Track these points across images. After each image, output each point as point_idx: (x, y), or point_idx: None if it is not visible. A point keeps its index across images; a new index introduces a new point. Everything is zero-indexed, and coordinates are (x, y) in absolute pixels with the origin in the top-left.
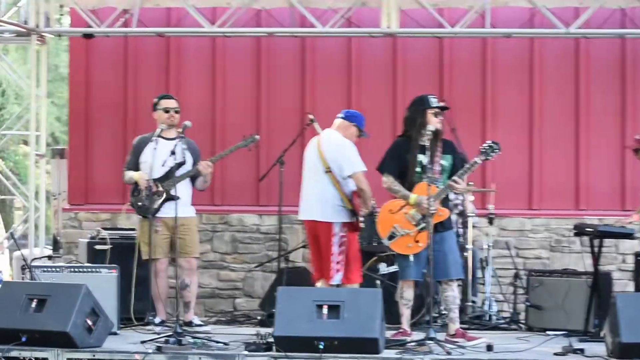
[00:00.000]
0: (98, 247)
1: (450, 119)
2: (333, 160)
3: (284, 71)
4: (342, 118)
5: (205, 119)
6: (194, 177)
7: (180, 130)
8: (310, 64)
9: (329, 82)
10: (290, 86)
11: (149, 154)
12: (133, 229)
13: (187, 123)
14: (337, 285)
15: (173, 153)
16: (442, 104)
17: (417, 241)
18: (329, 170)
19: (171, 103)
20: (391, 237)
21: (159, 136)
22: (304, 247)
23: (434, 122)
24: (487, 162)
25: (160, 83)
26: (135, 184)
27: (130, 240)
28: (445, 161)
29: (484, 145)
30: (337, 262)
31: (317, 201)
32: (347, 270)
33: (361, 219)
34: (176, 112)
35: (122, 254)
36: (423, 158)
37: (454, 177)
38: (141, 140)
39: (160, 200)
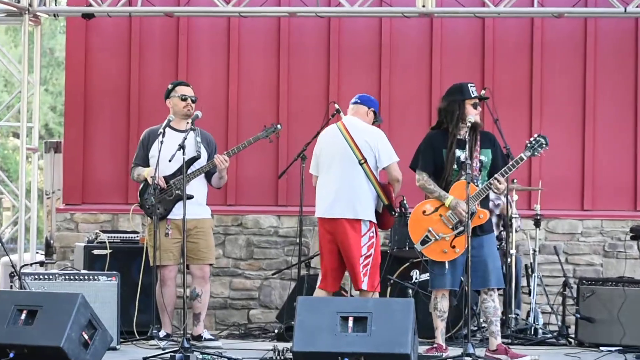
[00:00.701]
0: (96, 251)
1: (492, 108)
2: (368, 150)
3: (306, 55)
4: (359, 103)
5: (218, 108)
6: (209, 173)
7: (190, 121)
8: (336, 47)
9: (357, 68)
10: (314, 72)
11: (156, 147)
12: (135, 232)
13: (198, 113)
14: (360, 293)
15: (181, 147)
16: (482, 93)
17: (453, 246)
18: (364, 161)
19: (188, 91)
20: (424, 242)
21: (169, 127)
22: None
23: (472, 114)
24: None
25: (168, 68)
26: (145, 181)
27: (132, 244)
28: (485, 156)
29: (531, 139)
30: (365, 265)
31: (348, 196)
32: (371, 275)
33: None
34: (193, 101)
35: (123, 259)
36: (460, 153)
37: (496, 175)
38: (151, 132)
39: (172, 200)
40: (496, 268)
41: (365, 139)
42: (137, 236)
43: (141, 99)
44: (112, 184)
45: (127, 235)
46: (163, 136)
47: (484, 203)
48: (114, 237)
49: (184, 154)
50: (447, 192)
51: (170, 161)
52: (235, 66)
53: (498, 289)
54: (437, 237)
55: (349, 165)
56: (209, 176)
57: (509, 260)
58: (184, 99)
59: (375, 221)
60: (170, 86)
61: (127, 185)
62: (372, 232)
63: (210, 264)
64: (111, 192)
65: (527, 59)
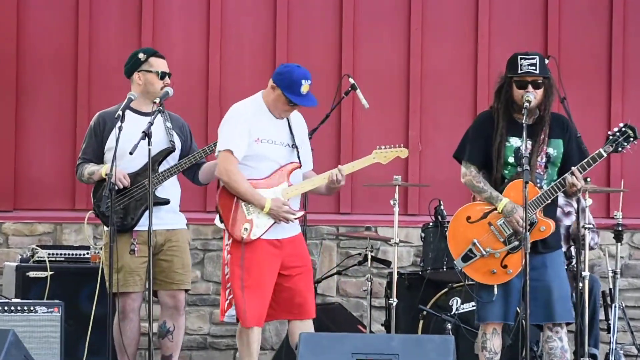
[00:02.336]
0: (33, 274)
1: (557, 84)
2: None
3: (311, 14)
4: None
5: (193, 86)
6: (193, 165)
7: (157, 100)
8: (351, 3)
9: (378, 30)
10: (321, 36)
11: (114, 137)
12: (85, 248)
13: (168, 90)
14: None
15: (146, 135)
16: (531, 68)
17: (504, 266)
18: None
19: (165, 65)
20: (467, 258)
21: (130, 110)
22: (338, 273)
23: (525, 95)
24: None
25: (128, 30)
26: (100, 182)
27: (81, 263)
28: (554, 148)
29: (614, 130)
30: (227, 289)
31: None
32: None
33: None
34: (169, 78)
35: (69, 284)
36: (519, 143)
37: (574, 168)
38: (106, 117)
39: (139, 207)
40: (563, 296)
41: None
42: (88, 253)
43: (92, 70)
44: (53, 184)
45: (74, 252)
46: (122, 120)
47: (550, 210)
48: (57, 254)
49: (149, 144)
50: (501, 193)
51: (131, 153)
52: (217, 28)
53: (566, 324)
54: (485, 253)
55: None
56: (189, 171)
57: (580, 285)
58: (162, 77)
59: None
60: (142, 56)
61: (74, 186)
62: (229, 245)
63: (186, 290)
64: (53, 195)
65: (604, 19)
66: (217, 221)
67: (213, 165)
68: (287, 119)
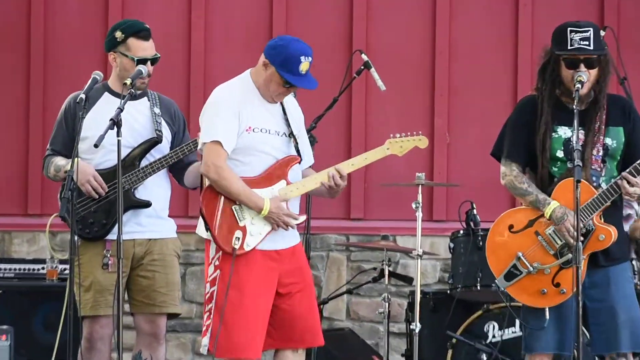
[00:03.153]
0: None
1: (615, 62)
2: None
3: None
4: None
5: (173, 67)
6: (177, 164)
7: (128, 81)
8: None
9: (398, 6)
10: (328, 6)
11: (92, 124)
12: (40, 261)
13: (141, 68)
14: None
15: (115, 123)
16: (584, 43)
17: (557, 284)
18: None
19: (150, 49)
20: (511, 276)
21: (108, 91)
22: (349, 292)
23: (576, 75)
24: None
25: (95, 2)
26: (70, 180)
27: (35, 280)
28: (612, 138)
29: None
30: (206, 312)
31: None
32: (213, 331)
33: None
34: (153, 63)
35: (20, 305)
36: (570, 133)
37: (624, 173)
38: (77, 99)
39: (115, 210)
40: (632, 320)
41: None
42: (44, 268)
43: (49, 47)
44: (2, 184)
45: (27, 266)
46: (85, 105)
47: (611, 214)
48: (5, 269)
49: (119, 134)
50: (549, 195)
51: (96, 146)
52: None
53: (634, 355)
54: (532, 269)
55: None
56: (177, 171)
57: None
58: (141, 63)
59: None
60: (118, 35)
61: (27, 187)
62: (218, 256)
63: (176, 314)
64: (0, 198)
65: None
66: (200, 229)
67: (198, 167)
68: (281, 103)
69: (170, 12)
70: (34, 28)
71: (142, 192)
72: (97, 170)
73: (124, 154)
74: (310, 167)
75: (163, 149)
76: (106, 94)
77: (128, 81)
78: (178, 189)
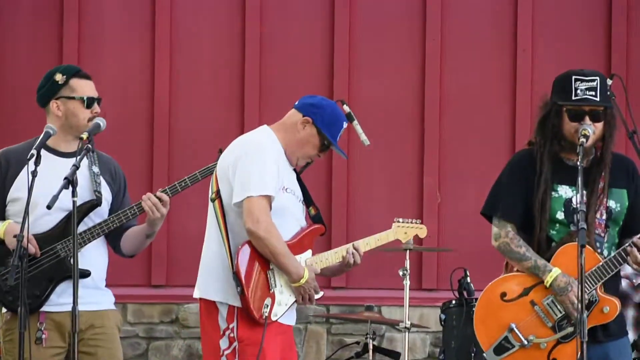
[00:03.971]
0: None
1: (624, 114)
2: (226, 176)
3: (293, 20)
4: (295, 108)
5: (133, 115)
6: (115, 230)
7: (84, 135)
8: (346, 6)
9: (382, 46)
10: (306, 50)
11: (24, 184)
12: None
13: (99, 122)
14: None
15: (70, 182)
16: (590, 94)
17: None
18: (216, 197)
19: (92, 88)
20: (502, 350)
21: (45, 148)
22: None
23: (580, 128)
24: None
25: (43, 38)
26: (20, 246)
27: None
28: (616, 201)
29: None
30: None
31: (201, 266)
32: None
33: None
34: (99, 105)
35: None
36: (571, 193)
37: (635, 239)
38: (10, 155)
39: (50, 279)
40: None
41: (230, 159)
42: None
43: None
44: None
45: None
46: (36, 162)
47: (611, 284)
48: None
49: (74, 194)
50: (548, 261)
51: (49, 207)
52: (166, 36)
53: None
54: (526, 342)
55: (210, 208)
56: (114, 236)
57: None
58: (88, 103)
59: (240, 305)
60: (59, 77)
61: None
62: (234, 326)
63: None
64: None
65: None
66: (206, 292)
67: (140, 232)
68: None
69: (131, 49)
70: None
71: (79, 261)
72: (34, 234)
73: (60, 217)
74: None
75: (102, 212)
76: (43, 151)
77: (84, 135)
78: (146, 256)
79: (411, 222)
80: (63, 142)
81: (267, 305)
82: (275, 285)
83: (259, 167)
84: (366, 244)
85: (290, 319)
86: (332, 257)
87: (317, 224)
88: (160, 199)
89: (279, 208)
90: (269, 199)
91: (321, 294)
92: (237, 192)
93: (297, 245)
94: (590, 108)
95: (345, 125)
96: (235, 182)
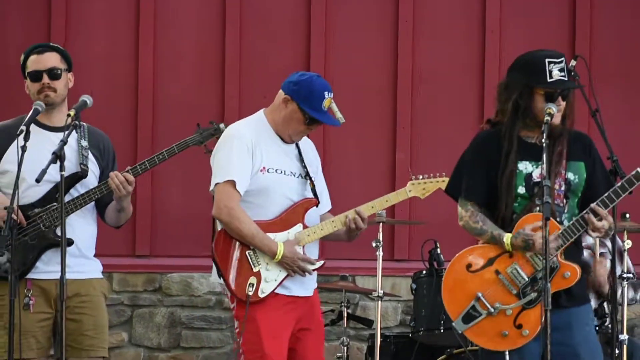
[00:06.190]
0: None
1: (588, 93)
2: None
3: (270, 6)
4: (281, 88)
5: (119, 93)
6: (101, 201)
7: (72, 112)
8: None
9: (356, 25)
10: (284, 33)
11: (14, 158)
12: None
13: (86, 99)
14: None
15: (57, 157)
16: (570, 66)
17: (519, 326)
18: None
19: (44, 60)
20: (470, 318)
21: (35, 122)
22: None
23: (548, 108)
24: None
25: (33, 23)
26: (10, 217)
27: None
28: (574, 173)
29: None
30: None
31: None
32: None
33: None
34: (54, 77)
35: None
36: (532, 169)
37: (592, 206)
38: (3, 132)
39: (36, 246)
40: None
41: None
42: None
43: None
44: None
45: None
46: (26, 138)
47: (573, 252)
48: None
49: (62, 169)
50: (511, 231)
51: (38, 181)
52: (150, 16)
53: None
54: (492, 310)
55: None
56: (101, 206)
57: (616, 352)
58: (35, 78)
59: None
60: (21, 59)
61: None
62: (234, 306)
63: (103, 357)
64: None
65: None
66: (213, 277)
67: (113, 207)
68: (297, 144)
69: (116, 32)
70: None
71: (66, 229)
72: (20, 205)
73: (45, 189)
74: (328, 212)
75: (89, 184)
76: (32, 125)
77: (72, 112)
78: (123, 228)
79: (430, 178)
80: (48, 117)
81: (252, 284)
82: (259, 263)
83: (224, 155)
84: (371, 207)
85: (296, 291)
86: (328, 226)
87: (308, 198)
88: (126, 179)
89: (260, 189)
90: (233, 183)
91: (318, 264)
92: (211, 183)
93: (281, 222)
94: (561, 89)
95: (327, 95)
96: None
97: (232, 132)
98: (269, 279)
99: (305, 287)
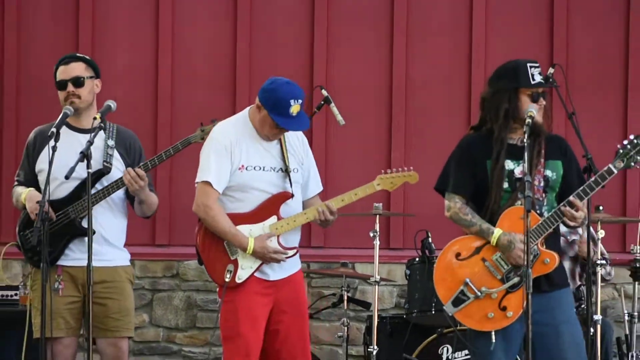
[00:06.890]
0: None
1: (564, 97)
2: None
3: (277, 16)
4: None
5: (142, 97)
6: (131, 196)
7: (97, 116)
8: (323, 6)
9: (355, 34)
10: (289, 41)
11: (46, 158)
12: (13, 287)
13: (111, 104)
14: None
15: (84, 156)
16: (548, 74)
17: (503, 308)
18: None
19: (69, 70)
20: (459, 302)
21: (66, 125)
22: (310, 316)
23: (531, 109)
24: (630, 171)
25: (62, 32)
26: (25, 210)
27: (7, 306)
28: (553, 171)
29: (625, 143)
30: None
31: None
32: None
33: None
34: (78, 85)
35: None
36: (514, 166)
37: (570, 198)
38: (39, 134)
39: (64, 235)
40: (575, 343)
41: None
42: (16, 294)
43: (21, 82)
44: None
45: (0, 292)
46: (56, 139)
47: (552, 241)
48: None
49: (89, 166)
50: (494, 225)
51: (67, 177)
52: (169, 31)
53: None
54: (479, 294)
55: None
56: (132, 200)
57: (591, 331)
58: (61, 86)
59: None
60: (54, 71)
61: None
62: (219, 289)
63: (129, 337)
64: None
65: (620, 19)
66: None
67: (136, 202)
68: (280, 138)
69: (137, 42)
70: (7, 66)
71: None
72: (51, 200)
73: (74, 185)
74: (318, 194)
75: (115, 179)
76: (64, 127)
77: (98, 115)
78: (143, 219)
79: (398, 171)
80: (77, 120)
81: (230, 271)
82: (236, 252)
83: (204, 156)
84: (341, 200)
85: (277, 273)
86: (300, 218)
87: (283, 191)
88: (137, 174)
89: (239, 186)
90: (208, 184)
91: (290, 253)
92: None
93: (257, 214)
94: (544, 89)
95: (294, 102)
96: None
97: (213, 135)
98: (245, 266)
99: (283, 270)
